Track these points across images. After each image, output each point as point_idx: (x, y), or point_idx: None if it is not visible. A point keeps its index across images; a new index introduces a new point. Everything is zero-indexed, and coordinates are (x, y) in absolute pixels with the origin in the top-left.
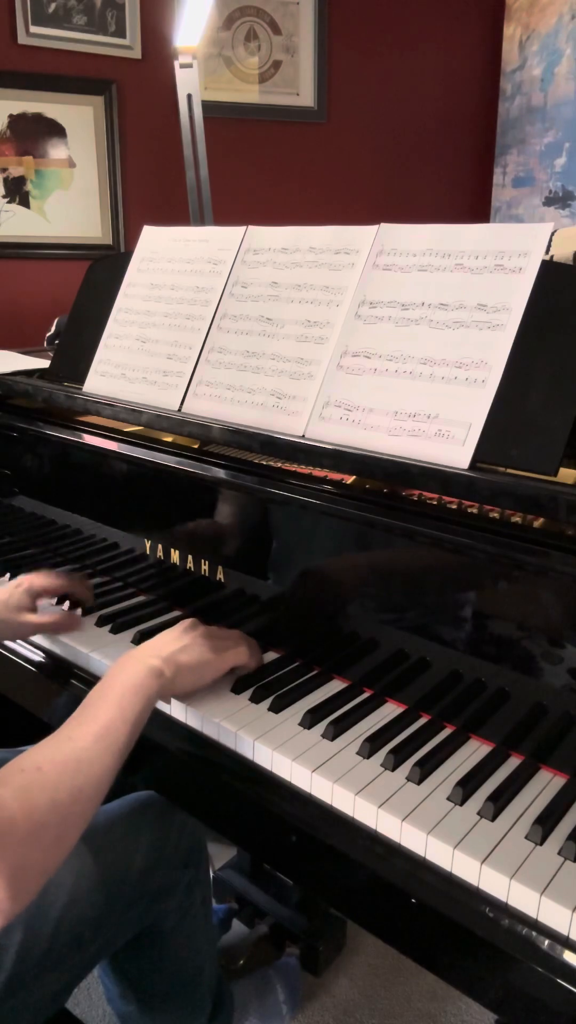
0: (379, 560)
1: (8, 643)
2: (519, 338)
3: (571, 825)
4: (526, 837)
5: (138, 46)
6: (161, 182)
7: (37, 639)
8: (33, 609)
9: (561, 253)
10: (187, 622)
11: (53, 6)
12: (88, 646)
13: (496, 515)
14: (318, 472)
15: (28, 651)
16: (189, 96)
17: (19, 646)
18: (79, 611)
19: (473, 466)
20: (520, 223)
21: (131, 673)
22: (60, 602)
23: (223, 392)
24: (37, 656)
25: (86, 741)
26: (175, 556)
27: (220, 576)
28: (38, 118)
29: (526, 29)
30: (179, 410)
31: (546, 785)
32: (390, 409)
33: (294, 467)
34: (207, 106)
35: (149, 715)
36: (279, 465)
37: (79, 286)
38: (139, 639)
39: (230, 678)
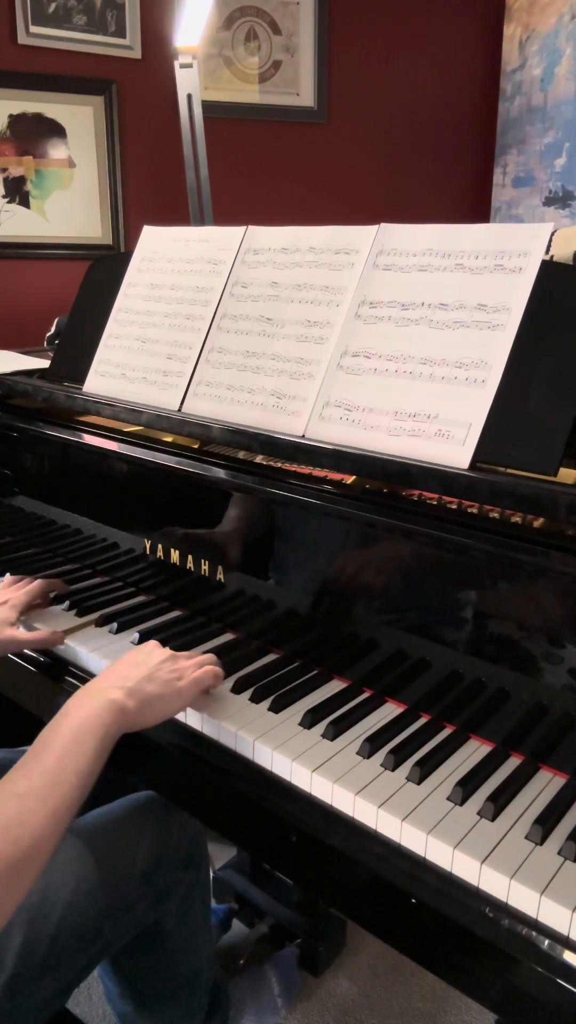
0: (379, 560)
1: None
2: (519, 338)
3: (571, 825)
4: (526, 837)
5: (138, 46)
6: (161, 182)
7: None
8: (17, 624)
9: (561, 253)
10: (149, 644)
11: (53, 6)
12: (88, 646)
13: (496, 515)
14: (318, 472)
15: (29, 651)
16: (189, 96)
17: None
18: (75, 612)
19: (473, 466)
20: (520, 223)
21: (88, 710)
22: (58, 602)
23: (223, 392)
24: (37, 656)
25: (29, 801)
26: (175, 556)
27: (220, 576)
28: (38, 118)
29: (526, 29)
30: (179, 410)
31: (546, 785)
32: (390, 409)
33: (294, 467)
34: (207, 106)
35: (110, 751)
36: (279, 465)
37: (79, 286)
38: (140, 639)
39: (230, 678)
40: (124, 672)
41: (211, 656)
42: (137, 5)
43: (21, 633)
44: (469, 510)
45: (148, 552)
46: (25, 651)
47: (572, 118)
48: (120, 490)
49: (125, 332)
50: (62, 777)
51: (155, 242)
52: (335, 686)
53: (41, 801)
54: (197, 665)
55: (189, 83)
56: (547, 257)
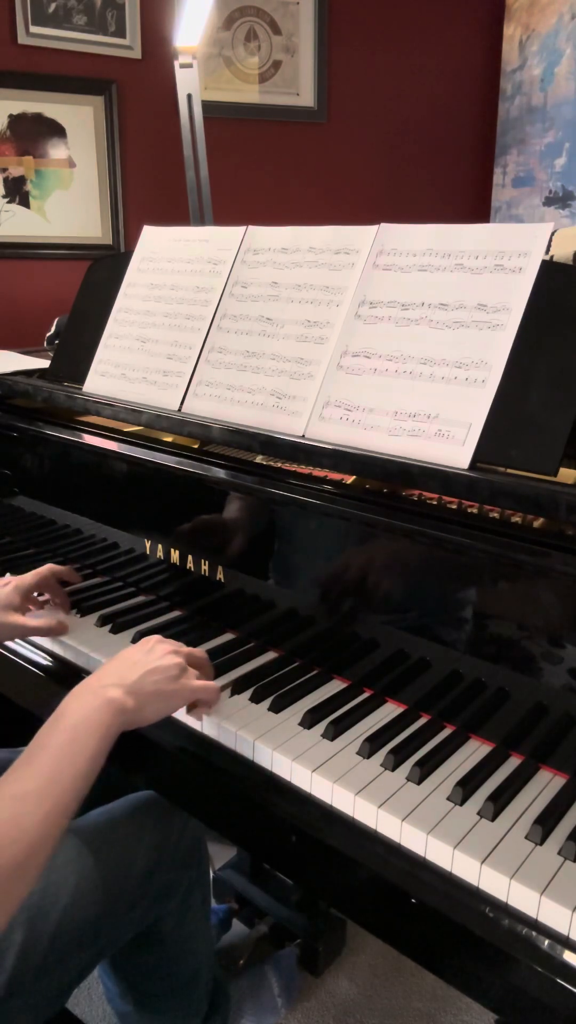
0: (379, 560)
1: (7, 644)
2: (519, 338)
3: (571, 825)
4: (526, 837)
5: (138, 46)
6: (161, 182)
7: (38, 640)
8: (22, 609)
9: (561, 253)
10: (152, 640)
11: (53, 6)
12: (88, 646)
13: (496, 515)
14: (318, 472)
15: (28, 651)
16: (189, 96)
17: (20, 647)
18: (75, 612)
19: (473, 466)
20: (520, 223)
21: (86, 709)
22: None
23: (223, 392)
24: (37, 656)
25: (28, 803)
26: (175, 556)
27: (220, 576)
28: (38, 118)
29: (526, 29)
30: (179, 410)
31: (546, 785)
32: (390, 409)
33: (294, 467)
34: (207, 106)
35: (109, 749)
36: (279, 465)
37: (79, 286)
38: (139, 639)
39: (230, 678)
40: (123, 669)
41: (206, 657)
42: (137, 5)
43: (26, 619)
44: (469, 510)
45: (148, 552)
46: (24, 652)
47: (572, 118)
48: (120, 490)
49: (125, 332)
50: (59, 777)
51: (155, 242)
52: (335, 686)
53: (37, 803)
54: (199, 668)
55: (189, 83)
56: (547, 257)
